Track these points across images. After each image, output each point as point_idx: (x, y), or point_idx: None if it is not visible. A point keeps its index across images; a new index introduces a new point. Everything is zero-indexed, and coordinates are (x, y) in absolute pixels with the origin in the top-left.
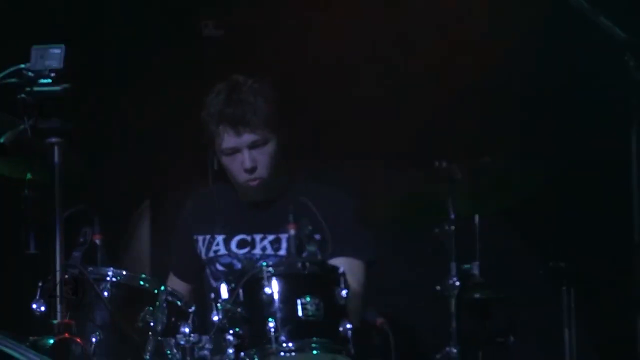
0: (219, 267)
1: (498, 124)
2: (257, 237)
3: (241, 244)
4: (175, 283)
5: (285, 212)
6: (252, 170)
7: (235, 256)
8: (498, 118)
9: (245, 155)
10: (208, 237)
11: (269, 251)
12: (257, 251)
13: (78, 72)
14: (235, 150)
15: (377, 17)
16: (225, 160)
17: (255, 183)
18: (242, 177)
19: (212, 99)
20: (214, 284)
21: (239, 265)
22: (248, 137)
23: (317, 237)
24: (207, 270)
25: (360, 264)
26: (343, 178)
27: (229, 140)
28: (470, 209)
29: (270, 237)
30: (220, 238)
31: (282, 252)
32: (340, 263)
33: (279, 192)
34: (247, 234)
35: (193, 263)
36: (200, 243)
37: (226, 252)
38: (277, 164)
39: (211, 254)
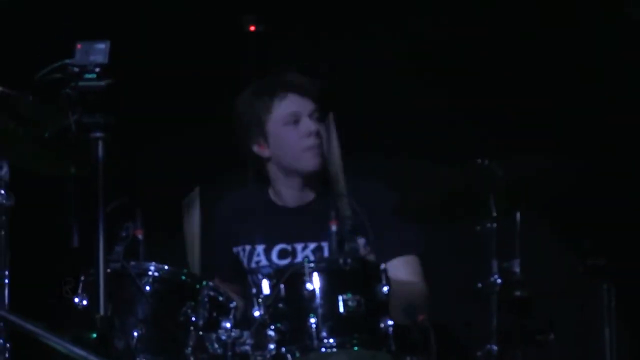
0: (261, 278)
1: (539, 120)
2: (298, 246)
3: (282, 254)
4: (224, 285)
5: (325, 218)
6: (317, 133)
7: (276, 267)
8: (539, 114)
9: (308, 121)
10: (248, 247)
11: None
12: (299, 261)
13: (121, 67)
14: (296, 117)
15: (416, 10)
16: (282, 130)
17: (316, 150)
18: (303, 144)
19: (259, 83)
20: (255, 291)
21: None
22: (310, 105)
23: (363, 240)
24: (249, 279)
25: (415, 258)
26: (383, 174)
27: (291, 104)
28: (511, 206)
29: (312, 246)
30: (260, 248)
31: None
32: (399, 264)
33: (316, 195)
34: (288, 243)
35: (235, 267)
36: (242, 254)
37: (267, 264)
38: (330, 146)
39: (253, 265)
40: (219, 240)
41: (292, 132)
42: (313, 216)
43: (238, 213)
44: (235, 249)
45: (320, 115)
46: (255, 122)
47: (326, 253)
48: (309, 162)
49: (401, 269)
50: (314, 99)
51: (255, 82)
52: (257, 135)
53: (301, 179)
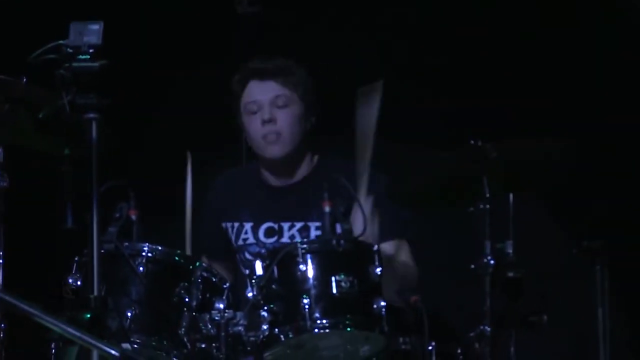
0: (248, 256)
1: (533, 101)
2: (285, 225)
3: (269, 233)
4: (213, 263)
5: (313, 196)
6: (270, 121)
7: (264, 246)
8: (532, 96)
9: (265, 109)
10: (237, 224)
11: (298, 239)
12: (285, 240)
13: (114, 49)
14: (257, 106)
15: None
16: (247, 120)
17: (273, 137)
18: (260, 131)
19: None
20: (244, 271)
21: None
22: (271, 91)
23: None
24: (237, 257)
25: (406, 243)
26: (377, 157)
27: (251, 93)
28: (504, 188)
29: (299, 225)
30: (248, 226)
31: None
32: (390, 246)
33: (306, 175)
34: (275, 221)
35: (224, 245)
36: (230, 230)
37: (254, 241)
38: (299, 131)
39: (240, 242)
40: (209, 216)
41: (253, 120)
42: (301, 196)
43: (229, 190)
44: (224, 224)
45: (288, 99)
46: (235, 108)
47: (313, 233)
48: (268, 150)
49: (393, 250)
50: (281, 84)
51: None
52: (239, 120)
53: (272, 164)
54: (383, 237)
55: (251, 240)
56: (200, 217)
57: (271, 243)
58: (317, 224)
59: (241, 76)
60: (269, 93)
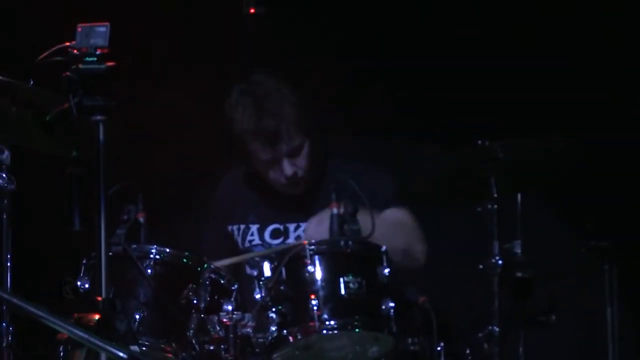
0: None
1: (541, 102)
2: (291, 226)
3: (275, 234)
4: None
5: (318, 198)
6: (294, 176)
7: (269, 247)
8: (540, 96)
9: (285, 165)
10: (243, 227)
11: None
12: (291, 241)
13: (122, 51)
14: (274, 161)
15: None
16: (264, 167)
17: (296, 186)
18: (284, 182)
19: (241, 114)
20: (248, 270)
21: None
22: (285, 148)
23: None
24: None
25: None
26: (384, 156)
27: (266, 153)
28: (512, 188)
29: (304, 226)
30: (254, 228)
31: None
32: (397, 211)
33: (314, 178)
34: (280, 223)
35: (227, 246)
36: (236, 233)
37: (260, 243)
38: (315, 160)
39: (246, 244)
40: (214, 219)
41: (273, 173)
42: (308, 197)
43: (235, 194)
44: (230, 227)
45: (300, 145)
46: (243, 149)
47: None
48: (289, 189)
49: (399, 213)
50: (292, 136)
51: (235, 96)
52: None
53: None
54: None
55: (257, 241)
56: (206, 219)
57: (277, 244)
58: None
59: (244, 136)
60: (281, 151)
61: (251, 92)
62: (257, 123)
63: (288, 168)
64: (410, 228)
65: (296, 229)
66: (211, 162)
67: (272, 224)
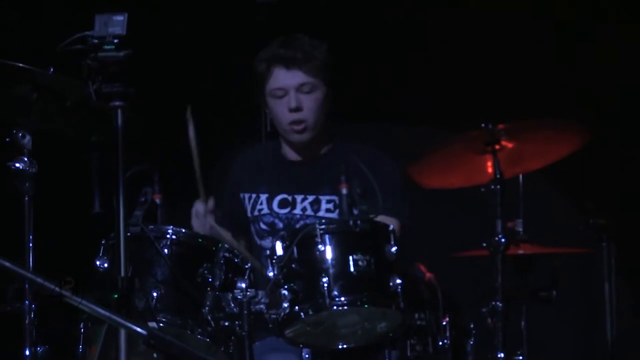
0: (263, 226)
1: (541, 85)
2: (298, 197)
3: (282, 204)
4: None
5: (328, 172)
6: (297, 109)
7: (277, 215)
8: (541, 79)
9: (292, 96)
10: (254, 195)
11: (309, 212)
12: (298, 212)
13: (138, 39)
14: (283, 92)
15: None
16: (272, 103)
17: (299, 127)
18: (287, 118)
19: (268, 48)
20: (258, 241)
21: (280, 225)
22: (297, 78)
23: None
24: (252, 228)
25: (397, 222)
26: (390, 140)
27: (278, 78)
28: (514, 169)
29: (310, 198)
30: (264, 197)
31: (322, 213)
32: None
33: (323, 152)
34: (289, 194)
35: (237, 218)
36: (247, 201)
37: (268, 212)
38: (322, 115)
39: (255, 213)
40: (227, 188)
41: (279, 105)
42: (316, 171)
43: (249, 165)
44: (242, 195)
45: (313, 85)
46: (259, 90)
47: (323, 206)
48: (295, 137)
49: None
50: (307, 71)
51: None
52: (263, 101)
53: (296, 145)
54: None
55: (265, 210)
56: (218, 189)
57: (284, 214)
58: (328, 197)
59: (266, 61)
60: (294, 80)
61: (284, 36)
62: (279, 50)
63: (293, 101)
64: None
65: (303, 200)
66: (225, 143)
67: (280, 194)
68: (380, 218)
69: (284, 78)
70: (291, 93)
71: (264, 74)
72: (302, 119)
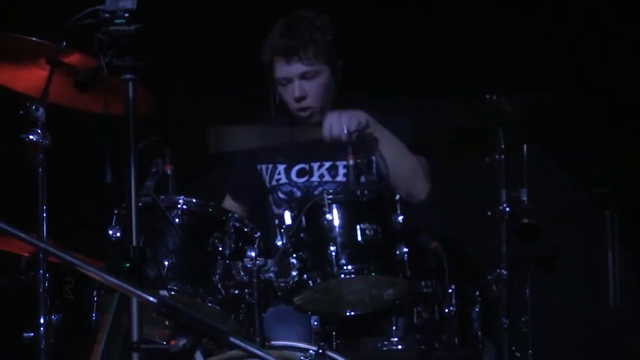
0: (281, 195)
1: (545, 57)
2: (315, 165)
3: (300, 173)
4: (230, 204)
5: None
6: (300, 99)
7: (295, 185)
8: (545, 52)
9: (296, 85)
10: (270, 166)
11: (327, 178)
12: (315, 179)
13: (148, 13)
14: (288, 80)
15: None
16: (280, 90)
17: (305, 113)
18: (293, 106)
19: (271, 35)
20: (276, 210)
21: (298, 194)
22: (298, 68)
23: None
24: (270, 198)
25: (423, 159)
26: (396, 109)
27: (280, 70)
28: (518, 139)
29: (327, 164)
30: (281, 167)
31: (340, 178)
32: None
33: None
34: (306, 162)
35: (250, 187)
36: (264, 172)
37: (287, 181)
38: (329, 95)
39: (274, 183)
40: (245, 159)
41: (285, 93)
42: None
43: (265, 138)
44: (259, 167)
45: (315, 71)
46: (268, 75)
47: (340, 171)
48: (302, 119)
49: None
50: (307, 59)
51: (267, 35)
52: (273, 85)
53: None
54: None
55: (284, 180)
56: (233, 160)
57: (302, 182)
58: (344, 162)
59: (269, 52)
60: (296, 70)
61: (288, 17)
62: (280, 40)
63: (297, 89)
64: (418, 162)
65: (320, 167)
66: (237, 116)
67: (298, 164)
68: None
69: (285, 69)
70: (295, 82)
71: (269, 64)
72: (308, 106)
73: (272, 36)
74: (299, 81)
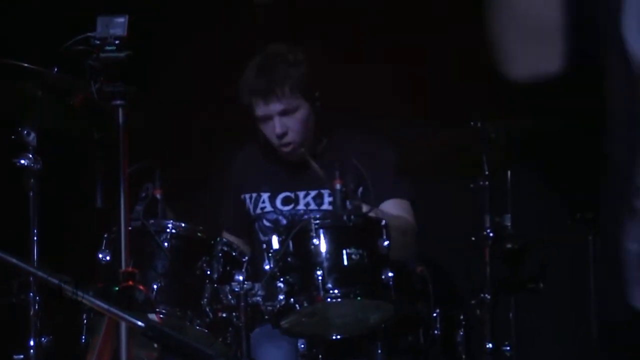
0: (266, 223)
1: (529, 85)
2: (301, 194)
3: (285, 201)
4: (229, 238)
5: (326, 168)
6: (282, 135)
7: (281, 213)
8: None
9: (276, 122)
10: (255, 195)
11: (312, 206)
12: (301, 207)
13: (138, 40)
14: (267, 118)
15: None
16: (262, 127)
17: (287, 148)
18: (275, 142)
19: (245, 75)
20: (262, 237)
21: (284, 221)
22: (277, 107)
23: (361, 189)
24: (256, 225)
25: (407, 203)
26: (386, 135)
27: (260, 109)
28: (502, 165)
29: (313, 193)
30: (265, 196)
31: (325, 206)
32: (391, 205)
33: (321, 148)
34: (291, 191)
35: (243, 220)
36: (248, 201)
37: (272, 209)
38: (309, 128)
39: (258, 211)
40: (230, 190)
41: (266, 129)
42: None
43: (249, 164)
44: (243, 196)
45: (294, 107)
46: (249, 113)
47: (326, 199)
48: (287, 155)
49: (394, 208)
50: (284, 96)
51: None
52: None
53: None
54: (383, 197)
55: (269, 208)
56: (222, 194)
57: (288, 210)
58: (329, 191)
59: (245, 95)
60: (275, 109)
61: (261, 55)
62: (254, 80)
63: (278, 126)
64: (410, 235)
65: (305, 196)
66: (225, 140)
67: (282, 192)
68: (392, 202)
69: (265, 108)
70: (275, 118)
71: (248, 104)
72: (289, 142)
73: (246, 77)
74: (279, 117)
